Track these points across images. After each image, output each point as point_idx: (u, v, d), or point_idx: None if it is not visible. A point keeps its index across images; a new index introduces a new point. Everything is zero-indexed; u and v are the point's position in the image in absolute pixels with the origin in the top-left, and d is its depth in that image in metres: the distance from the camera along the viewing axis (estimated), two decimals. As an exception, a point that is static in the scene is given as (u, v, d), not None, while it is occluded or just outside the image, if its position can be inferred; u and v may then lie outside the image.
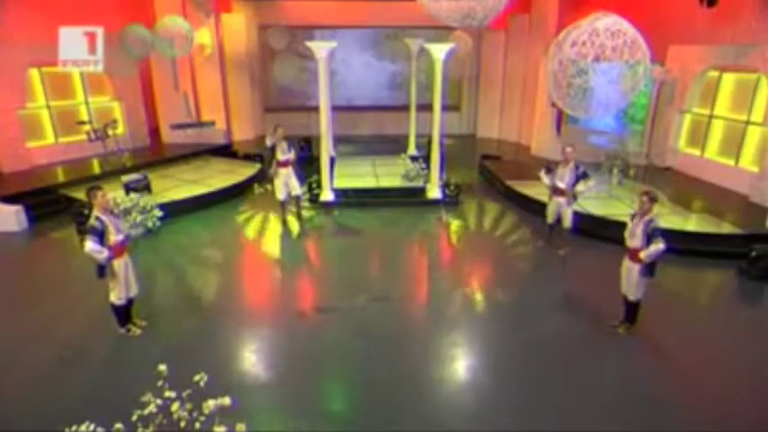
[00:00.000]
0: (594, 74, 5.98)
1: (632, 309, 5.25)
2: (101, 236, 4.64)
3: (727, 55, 9.88)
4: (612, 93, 6.14)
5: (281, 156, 8.18)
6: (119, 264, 4.90)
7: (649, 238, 4.86)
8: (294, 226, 8.56)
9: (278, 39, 14.12)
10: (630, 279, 5.13)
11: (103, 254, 4.65)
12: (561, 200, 7.15)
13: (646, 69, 5.99)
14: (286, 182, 8.31)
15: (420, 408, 4.28)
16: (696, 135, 11.07)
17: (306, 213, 9.02)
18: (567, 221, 7.23)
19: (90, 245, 4.58)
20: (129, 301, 5.17)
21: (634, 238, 5.03)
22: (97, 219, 4.67)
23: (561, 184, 7.05)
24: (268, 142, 8.15)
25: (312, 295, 6.57)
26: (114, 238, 4.75)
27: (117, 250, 4.83)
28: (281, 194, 8.36)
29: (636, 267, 5.04)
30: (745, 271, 6.71)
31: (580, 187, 6.97)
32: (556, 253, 7.33)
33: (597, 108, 6.28)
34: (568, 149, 6.97)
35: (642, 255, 4.89)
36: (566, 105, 6.60)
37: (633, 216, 5.17)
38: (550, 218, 7.40)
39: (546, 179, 7.24)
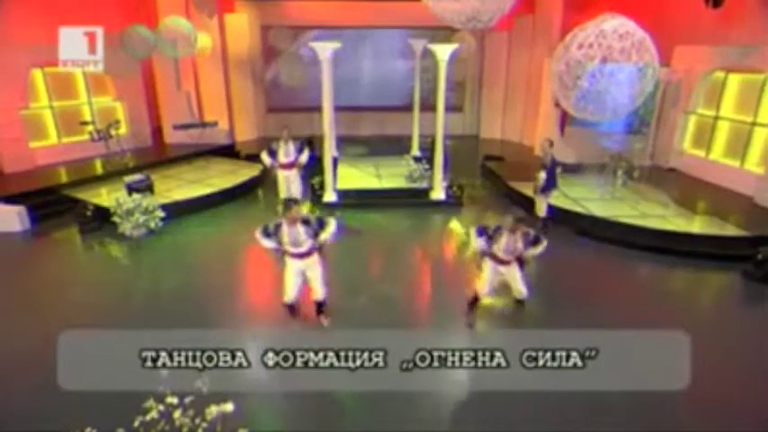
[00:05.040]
0: (602, 76, 5.92)
1: None
2: (270, 235, 5.16)
3: (733, 56, 9.80)
4: (620, 96, 6.08)
5: (283, 158, 8.15)
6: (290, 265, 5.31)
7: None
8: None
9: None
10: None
11: (270, 245, 5.19)
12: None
13: (654, 71, 5.94)
14: (288, 184, 8.33)
15: (420, 408, 4.26)
16: (701, 136, 10.99)
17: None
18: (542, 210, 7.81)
19: (258, 235, 5.21)
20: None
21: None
22: (277, 225, 5.14)
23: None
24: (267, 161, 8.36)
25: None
26: (288, 248, 5.18)
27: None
28: (283, 193, 8.43)
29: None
30: (751, 274, 6.65)
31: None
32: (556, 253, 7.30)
33: (604, 111, 6.22)
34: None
35: None
36: (571, 107, 6.55)
37: None
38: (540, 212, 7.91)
39: None
